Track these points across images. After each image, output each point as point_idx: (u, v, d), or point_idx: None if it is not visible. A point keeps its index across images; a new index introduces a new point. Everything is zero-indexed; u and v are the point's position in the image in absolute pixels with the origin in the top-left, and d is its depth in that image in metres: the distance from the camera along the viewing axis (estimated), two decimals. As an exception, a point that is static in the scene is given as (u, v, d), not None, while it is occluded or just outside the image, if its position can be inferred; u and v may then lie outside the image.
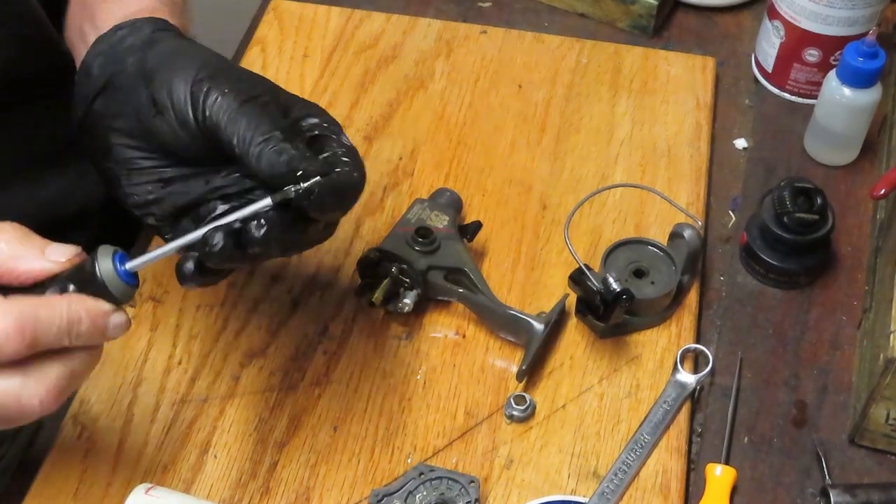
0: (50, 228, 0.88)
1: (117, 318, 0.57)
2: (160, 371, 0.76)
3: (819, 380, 0.76)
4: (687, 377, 0.74)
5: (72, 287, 0.57)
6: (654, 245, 0.79)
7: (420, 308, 0.77)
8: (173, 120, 0.63)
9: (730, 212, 0.87)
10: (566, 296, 0.76)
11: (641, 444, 0.71)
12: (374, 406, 0.74)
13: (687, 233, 0.77)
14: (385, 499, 0.67)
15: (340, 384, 0.75)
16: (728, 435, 0.73)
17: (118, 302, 0.58)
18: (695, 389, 0.74)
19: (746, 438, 0.73)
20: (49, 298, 0.56)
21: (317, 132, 0.62)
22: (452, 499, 0.67)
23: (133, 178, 0.66)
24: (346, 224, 0.84)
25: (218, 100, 0.61)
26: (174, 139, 0.63)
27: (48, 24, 0.85)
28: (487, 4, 1.03)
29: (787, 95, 0.94)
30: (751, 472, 0.72)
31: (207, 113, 0.61)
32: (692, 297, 0.79)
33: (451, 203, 0.81)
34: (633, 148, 0.89)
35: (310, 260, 0.81)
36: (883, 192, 0.77)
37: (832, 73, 0.85)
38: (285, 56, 0.96)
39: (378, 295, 0.75)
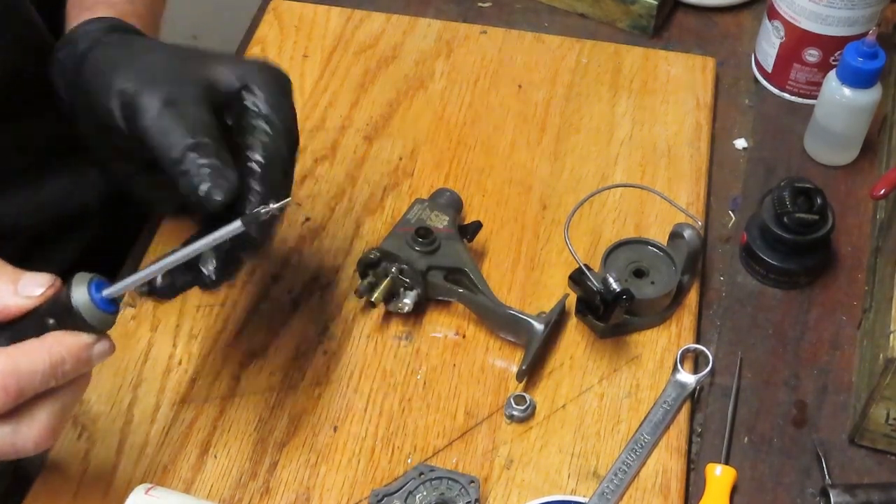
0: (50, 228, 0.89)
1: (100, 346, 0.57)
2: (160, 371, 0.76)
3: (819, 380, 0.76)
4: (687, 377, 0.74)
5: (51, 321, 0.56)
6: (654, 245, 0.79)
7: (420, 308, 0.77)
8: (115, 130, 0.64)
9: (730, 212, 0.87)
10: (566, 296, 0.76)
11: (641, 444, 0.71)
12: (374, 406, 0.74)
13: (687, 233, 0.77)
14: (385, 499, 0.67)
15: (340, 384, 0.75)
16: (728, 435, 0.73)
17: (98, 331, 0.57)
18: (695, 389, 0.74)
19: (746, 438, 0.73)
20: (27, 346, 0.55)
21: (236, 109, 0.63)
22: (452, 499, 0.67)
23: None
24: (346, 224, 0.84)
25: (139, 111, 0.62)
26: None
27: (45, 29, 0.85)
28: (487, 4, 1.03)
29: (787, 95, 0.94)
30: (751, 472, 0.72)
31: (132, 126, 0.62)
32: (692, 297, 0.79)
33: (451, 203, 0.82)
34: (633, 148, 0.89)
35: (310, 260, 0.82)
36: (883, 192, 0.77)
37: (832, 74, 0.85)
38: (285, 56, 0.96)
39: (378, 295, 0.75)
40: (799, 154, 0.90)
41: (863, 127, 0.87)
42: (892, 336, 0.67)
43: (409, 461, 0.71)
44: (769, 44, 0.93)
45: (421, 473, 0.68)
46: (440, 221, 0.78)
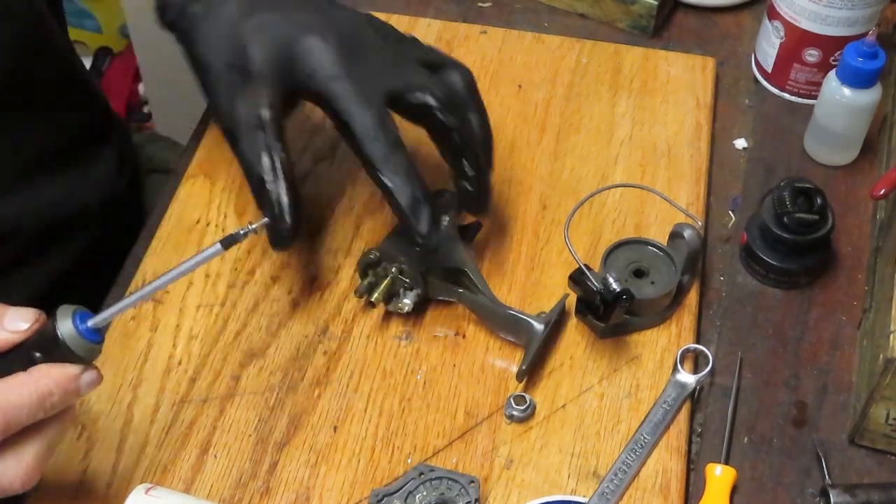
0: (50, 230, 0.89)
1: (88, 376, 0.58)
2: (160, 371, 0.76)
3: (819, 380, 0.76)
4: (687, 377, 0.74)
5: (38, 355, 0.56)
6: (654, 245, 0.79)
7: (420, 308, 0.77)
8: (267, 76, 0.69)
9: (730, 212, 0.87)
10: (566, 296, 0.76)
11: (641, 444, 0.71)
12: (374, 406, 0.74)
13: (687, 233, 0.77)
14: (385, 499, 0.67)
15: (340, 384, 0.75)
16: (728, 435, 0.73)
17: (85, 361, 0.57)
18: (695, 389, 0.74)
19: (746, 438, 0.73)
20: (14, 380, 0.56)
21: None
22: (452, 499, 0.67)
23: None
24: (346, 224, 0.84)
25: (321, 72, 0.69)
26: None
27: (53, 26, 0.85)
28: (487, 4, 1.03)
29: (787, 95, 0.94)
30: (751, 472, 0.72)
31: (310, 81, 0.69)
32: (692, 297, 0.79)
33: (451, 203, 0.81)
34: (633, 148, 0.89)
35: (310, 260, 0.82)
36: (883, 192, 0.77)
37: (832, 74, 0.85)
38: (285, 56, 0.96)
39: (378, 295, 0.75)
40: (799, 154, 0.90)
41: (863, 127, 0.87)
42: (892, 336, 0.67)
43: (409, 461, 0.71)
44: (769, 44, 0.93)
45: (421, 473, 0.68)
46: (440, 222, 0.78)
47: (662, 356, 0.76)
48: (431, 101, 0.71)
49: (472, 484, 0.67)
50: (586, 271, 0.73)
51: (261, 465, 0.71)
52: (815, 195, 0.77)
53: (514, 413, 0.72)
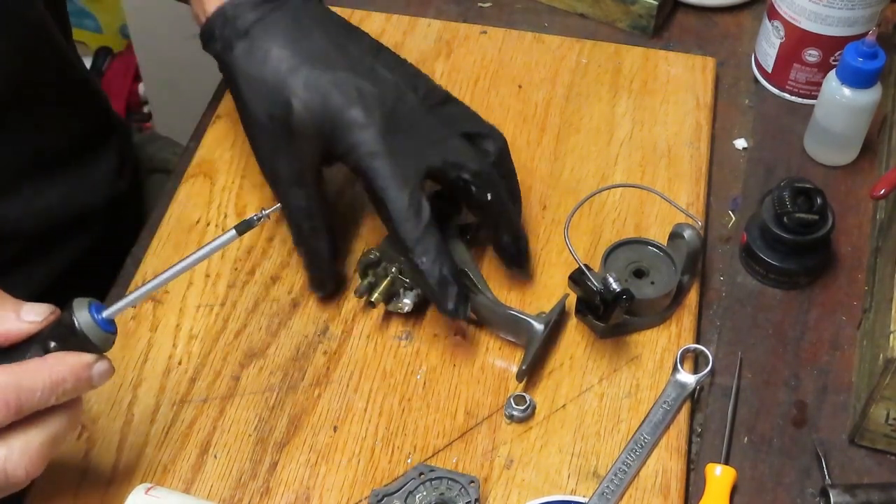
0: (51, 232, 0.89)
1: (100, 366, 0.59)
2: (160, 371, 0.76)
3: (819, 380, 0.76)
4: (687, 377, 0.74)
5: (53, 344, 0.58)
6: (654, 245, 0.79)
7: (420, 308, 0.77)
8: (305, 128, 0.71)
9: (730, 212, 0.87)
10: (566, 296, 0.76)
11: (641, 444, 0.71)
12: (374, 406, 0.74)
13: (687, 233, 0.77)
14: (385, 499, 0.67)
15: (340, 384, 0.75)
16: (728, 435, 0.73)
17: (100, 351, 0.59)
18: (695, 389, 0.74)
19: (746, 438, 0.73)
20: (30, 364, 0.57)
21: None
22: (452, 499, 0.67)
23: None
24: (346, 224, 0.84)
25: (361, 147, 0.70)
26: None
27: (55, 31, 0.85)
28: (487, 5, 1.03)
29: (787, 95, 0.94)
30: (751, 472, 0.72)
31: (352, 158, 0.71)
32: (692, 297, 0.79)
33: (452, 203, 0.81)
34: (633, 148, 0.89)
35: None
36: (883, 192, 0.77)
37: (832, 74, 0.85)
38: (285, 56, 0.96)
39: (378, 295, 0.75)
40: (799, 154, 0.90)
41: (863, 127, 0.87)
42: (892, 336, 0.67)
43: (409, 461, 0.71)
44: (769, 44, 0.93)
45: (421, 473, 0.68)
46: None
47: (662, 356, 0.76)
48: (467, 176, 0.72)
49: (472, 484, 0.67)
50: (586, 271, 0.73)
51: (261, 465, 0.71)
52: (815, 195, 0.77)
53: (514, 413, 0.72)
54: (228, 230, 0.60)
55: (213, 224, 0.84)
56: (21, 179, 0.86)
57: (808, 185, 0.78)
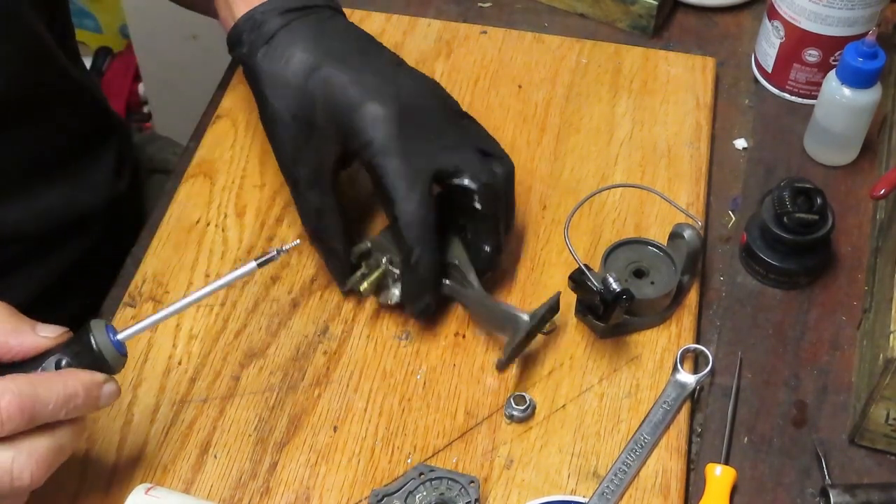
0: (52, 233, 0.89)
1: (109, 387, 0.61)
2: (160, 371, 0.76)
3: (819, 380, 0.76)
4: (687, 377, 0.74)
5: (65, 361, 0.60)
6: (654, 245, 0.79)
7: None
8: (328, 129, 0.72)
9: (730, 212, 0.87)
10: (559, 293, 0.75)
11: (641, 444, 0.71)
12: (374, 406, 0.74)
13: (687, 233, 0.77)
14: (385, 499, 0.67)
15: (340, 384, 0.75)
16: (728, 435, 0.73)
17: (112, 371, 0.61)
18: (695, 389, 0.74)
19: (746, 438, 0.73)
20: (47, 375, 0.59)
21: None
22: (452, 499, 0.67)
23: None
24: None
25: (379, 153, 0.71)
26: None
27: (50, 41, 0.85)
28: (487, 5, 1.03)
29: (787, 95, 0.94)
30: (751, 472, 0.72)
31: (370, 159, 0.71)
32: (692, 297, 0.79)
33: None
34: (633, 148, 0.89)
35: (310, 260, 0.82)
36: (883, 192, 0.77)
37: (832, 74, 0.85)
38: (285, 56, 0.96)
39: (367, 285, 0.75)
40: (799, 154, 0.90)
41: (863, 127, 0.87)
42: (892, 336, 0.67)
43: (409, 461, 0.71)
44: (769, 44, 0.93)
45: (421, 473, 0.68)
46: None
47: (662, 356, 0.76)
48: (475, 187, 0.73)
49: (472, 484, 0.67)
50: (586, 271, 0.73)
51: (261, 465, 0.71)
52: (815, 195, 0.77)
53: (514, 413, 0.72)
54: (248, 262, 0.65)
55: (213, 224, 0.84)
56: (21, 181, 0.86)
57: (808, 185, 0.78)
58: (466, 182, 0.73)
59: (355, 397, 0.74)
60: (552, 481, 0.70)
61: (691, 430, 0.74)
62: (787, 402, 0.75)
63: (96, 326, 0.61)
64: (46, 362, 0.60)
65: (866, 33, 0.82)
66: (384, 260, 0.75)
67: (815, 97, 0.89)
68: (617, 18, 1.00)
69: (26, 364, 0.60)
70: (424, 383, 0.75)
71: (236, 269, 0.65)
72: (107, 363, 0.61)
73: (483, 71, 0.95)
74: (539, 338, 0.76)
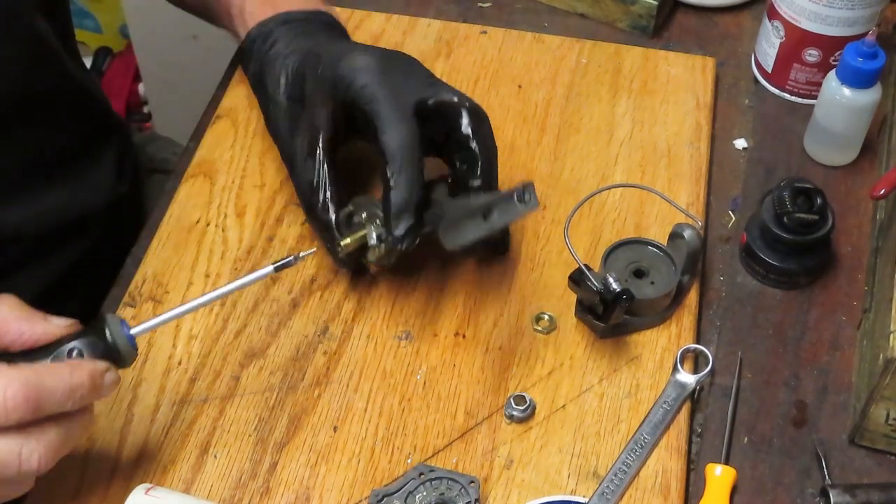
0: (52, 234, 0.89)
1: (110, 375, 0.62)
2: (160, 371, 0.76)
3: (819, 380, 0.76)
4: (687, 377, 0.74)
5: (77, 351, 0.61)
6: (654, 245, 0.79)
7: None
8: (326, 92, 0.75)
9: (730, 212, 0.87)
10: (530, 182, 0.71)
11: (641, 444, 0.71)
12: (374, 406, 0.74)
13: (687, 233, 0.77)
14: (385, 499, 0.67)
15: (340, 384, 0.75)
16: (728, 435, 0.73)
17: (124, 365, 0.63)
18: (695, 389, 0.74)
19: (746, 438, 0.73)
20: (53, 366, 0.60)
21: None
22: (452, 499, 0.67)
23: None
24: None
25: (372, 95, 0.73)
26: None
27: (51, 41, 0.85)
28: (487, 5, 1.03)
29: (787, 95, 0.94)
30: (751, 472, 0.72)
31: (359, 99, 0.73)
32: (692, 297, 0.79)
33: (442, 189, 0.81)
34: (633, 148, 0.89)
35: (310, 260, 0.81)
36: (883, 192, 0.77)
37: (832, 74, 0.85)
38: (285, 56, 0.96)
39: (349, 241, 0.73)
40: (799, 154, 0.90)
41: (863, 127, 0.87)
42: (892, 336, 0.67)
43: (409, 461, 0.71)
44: (769, 44, 0.93)
45: (421, 473, 0.68)
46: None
47: (662, 356, 0.76)
48: (464, 102, 0.75)
49: (472, 484, 0.67)
50: (586, 271, 0.73)
51: (261, 465, 0.71)
52: (815, 195, 0.77)
53: (514, 413, 0.72)
54: (266, 266, 0.67)
55: (213, 224, 0.84)
56: (22, 183, 0.86)
57: (808, 185, 0.78)
58: (450, 97, 0.75)
59: (355, 397, 0.74)
60: (552, 481, 0.70)
61: (691, 430, 0.74)
62: (787, 402, 0.75)
63: (112, 319, 0.62)
64: (59, 350, 0.60)
65: (866, 33, 0.82)
66: (364, 214, 0.74)
67: (815, 97, 0.89)
68: (617, 18, 1.00)
69: (38, 352, 0.61)
70: (424, 383, 0.75)
71: (252, 272, 0.67)
72: (120, 356, 0.62)
73: (483, 71, 0.95)
74: (539, 338, 0.76)
